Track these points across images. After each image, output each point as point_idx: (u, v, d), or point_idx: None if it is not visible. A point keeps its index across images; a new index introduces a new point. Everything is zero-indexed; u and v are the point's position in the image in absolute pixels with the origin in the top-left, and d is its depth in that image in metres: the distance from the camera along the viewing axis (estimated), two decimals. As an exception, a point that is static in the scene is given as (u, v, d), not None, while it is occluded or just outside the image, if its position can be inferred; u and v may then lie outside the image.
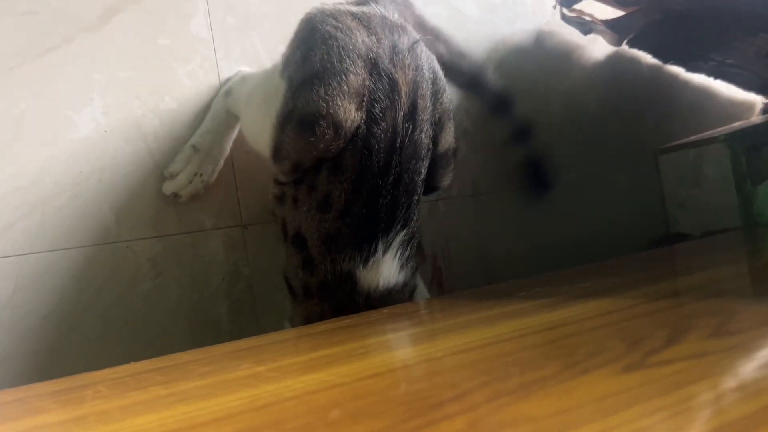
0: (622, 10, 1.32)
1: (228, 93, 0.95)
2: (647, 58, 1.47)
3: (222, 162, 0.95)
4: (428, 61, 0.82)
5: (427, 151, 0.80)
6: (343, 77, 0.73)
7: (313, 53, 0.77)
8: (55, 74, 0.88)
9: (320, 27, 0.79)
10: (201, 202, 0.95)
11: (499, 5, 1.29)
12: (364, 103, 0.74)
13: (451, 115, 0.87)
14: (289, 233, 0.81)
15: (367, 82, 0.74)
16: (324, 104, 0.73)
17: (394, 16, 0.86)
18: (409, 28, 0.84)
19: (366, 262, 0.77)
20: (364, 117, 0.74)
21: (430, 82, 0.81)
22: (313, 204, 0.77)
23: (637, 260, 1.11)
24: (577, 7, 1.31)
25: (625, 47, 1.39)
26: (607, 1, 1.32)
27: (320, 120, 0.73)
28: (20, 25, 0.87)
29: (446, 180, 0.88)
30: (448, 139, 0.86)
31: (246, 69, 1.00)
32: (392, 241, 0.78)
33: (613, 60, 1.44)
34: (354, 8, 0.84)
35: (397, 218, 0.77)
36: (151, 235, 0.92)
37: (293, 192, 0.80)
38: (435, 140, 0.83)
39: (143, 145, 0.92)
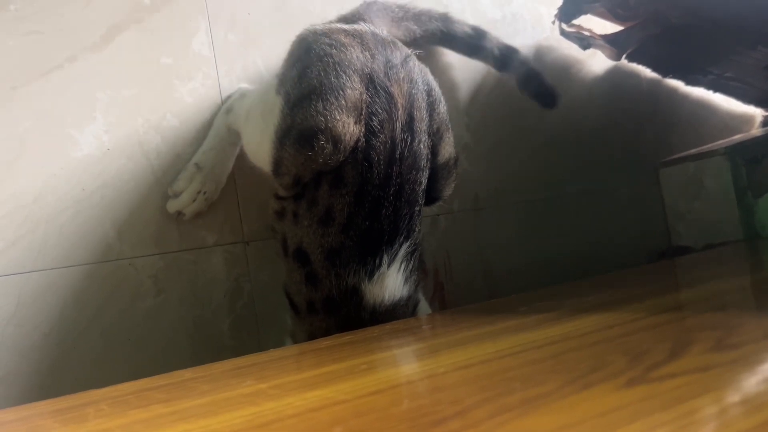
0: (621, 24, 1.33)
1: (229, 110, 0.96)
2: (646, 72, 1.48)
3: (225, 179, 0.96)
4: (421, 73, 0.83)
5: (427, 162, 0.81)
6: (341, 92, 0.75)
7: (309, 70, 0.78)
8: (58, 93, 0.88)
9: (315, 46, 0.80)
10: (203, 219, 0.96)
11: (498, 21, 1.30)
12: (362, 117, 0.75)
13: (449, 125, 0.88)
14: (290, 248, 0.81)
15: (364, 96, 0.76)
16: (322, 119, 0.74)
17: (383, 32, 0.88)
18: (399, 43, 0.86)
19: (371, 275, 0.77)
20: (362, 130, 0.75)
21: (425, 93, 0.82)
22: (315, 218, 0.77)
23: (639, 273, 1.11)
24: (575, 22, 1.32)
25: (624, 61, 1.40)
26: (605, 16, 1.33)
27: (319, 134, 0.73)
28: (24, 45, 0.87)
29: (447, 190, 0.89)
30: (447, 149, 0.87)
31: (246, 86, 1.00)
32: (396, 254, 0.78)
33: (613, 74, 1.45)
34: (346, 26, 0.85)
35: (400, 230, 0.78)
36: (153, 252, 0.92)
37: (293, 207, 0.80)
38: (434, 150, 0.84)
39: (145, 162, 0.93)
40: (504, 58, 1.15)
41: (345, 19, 0.95)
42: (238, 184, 0.99)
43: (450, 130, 0.88)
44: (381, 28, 0.93)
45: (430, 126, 0.83)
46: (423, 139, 0.80)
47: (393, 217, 0.77)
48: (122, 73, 0.93)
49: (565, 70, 1.38)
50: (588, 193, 1.38)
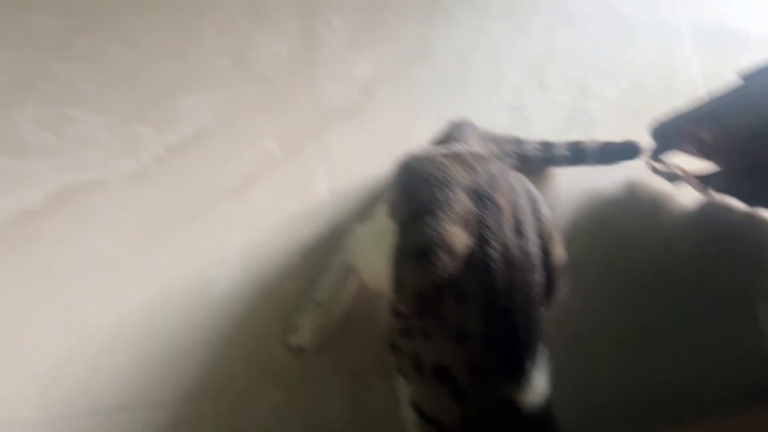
0: (710, 161, 1.37)
1: (344, 248, 1.03)
2: (738, 204, 1.49)
3: (341, 314, 1.01)
4: (520, 180, 0.88)
5: (540, 262, 0.83)
6: (449, 207, 0.79)
7: (417, 192, 0.84)
8: (199, 237, 0.99)
9: (419, 170, 0.87)
10: (319, 351, 1.01)
11: (589, 160, 1.36)
12: (472, 228, 0.79)
13: (555, 226, 0.90)
14: (427, 367, 0.81)
15: (472, 209, 0.80)
16: (435, 233, 0.78)
17: (477, 148, 0.94)
18: (494, 158, 0.91)
19: (521, 384, 0.77)
20: (475, 241, 0.78)
21: (527, 198, 0.86)
22: (448, 335, 0.79)
23: (744, 421, 1.08)
24: (665, 159, 1.36)
25: (715, 196, 1.42)
26: (694, 154, 1.37)
27: (434, 248, 0.77)
28: (174, 196, 1.00)
29: (560, 292, 0.89)
30: (558, 248, 0.88)
31: (358, 224, 1.08)
32: (535, 355, 0.79)
33: (705, 208, 1.47)
34: (443, 149, 0.93)
35: (534, 331, 0.79)
36: (273, 384, 0.98)
37: (421, 324, 0.81)
38: (546, 250, 0.85)
39: (270, 298, 1.00)
40: (575, 153, 1.22)
41: (439, 141, 1.02)
42: (352, 317, 1.05)
43: (557, 232, 0.90)
44: (473, 144, 1.01)
45: (537, 228, 0.85)
46: (533, 240, 0.82)
47: (525, 322, 0.78)
48: (255, 217, 1.03)
49: (655, 204, 1.41)
50: (684, 326, 1.37)
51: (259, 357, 0.98)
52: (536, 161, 1.21)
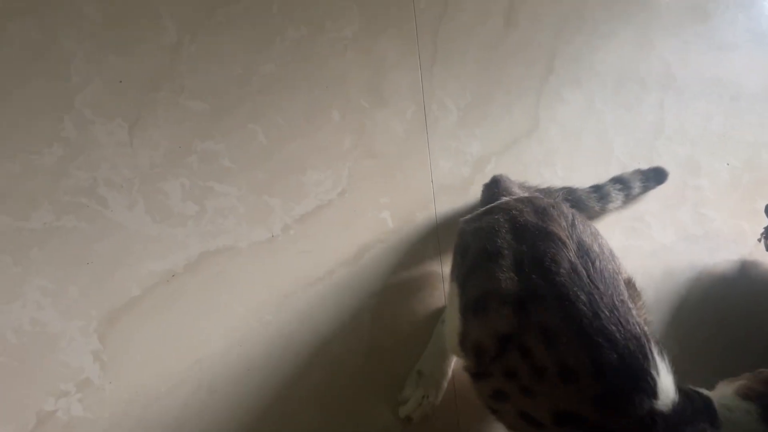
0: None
1: (443, 320, 1.07)
2: None
3: (445, 384, 1.04)
4: (575, 213, 0.89)
5: (617, 275, 0.81)
6: (497, 254, 0.83)
7: (469, 251, 0.89)
8: (317, 300, 1.07)
9: (467, 230, 0.92)
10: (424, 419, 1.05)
11: (700, 237, 1.34)
12: (524, 266, 0.80)
13: (614, 254, 0.89)
14: (545, 418, 0.78)
15: (522, 248, 0.82)
16: (487, 283, 0.81)
17: (523, 194, 0.98)
18: (541, 195, 0.94)
19: (654, 392, 0.73)
20: (536, 277, 0.78)
21: (584, 224, 0.87)
22: (553, 381, 0.75)
23: None
24: (782, 239, 1.33)
25: (837, 276, 1.36)
26: (814, 233, 1.33)
27: (487, 296, 0.80)
28: (297, 262, 1.08)
29: (645, 313, 0.85)
30: (623, 271, 0.87)
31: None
32: (655, 360, 0.75)
33: (825, 290, 1.41)
34: (490, 205, 0.96)
35: (641, 337, 0.75)
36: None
37: (513, 384, 0.79)
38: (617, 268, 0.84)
39: (379, 361, 1.06)
40: (622, 184, 1.26)
41: (485, 203, 1.04)
42: (455, 382, 1.08)
43: (617, 258, 0.88)
44: (516, 193, 1.04)
45: (602, 250, 0.84)
46: (602, 257, 0.81)
47: (629, 333, 0.74)
48: (367, 284, 1.10)
49: (772, 284, 1.37)
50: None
51: (367, 417, 1.03)
52: (592, 204, 1.21)
